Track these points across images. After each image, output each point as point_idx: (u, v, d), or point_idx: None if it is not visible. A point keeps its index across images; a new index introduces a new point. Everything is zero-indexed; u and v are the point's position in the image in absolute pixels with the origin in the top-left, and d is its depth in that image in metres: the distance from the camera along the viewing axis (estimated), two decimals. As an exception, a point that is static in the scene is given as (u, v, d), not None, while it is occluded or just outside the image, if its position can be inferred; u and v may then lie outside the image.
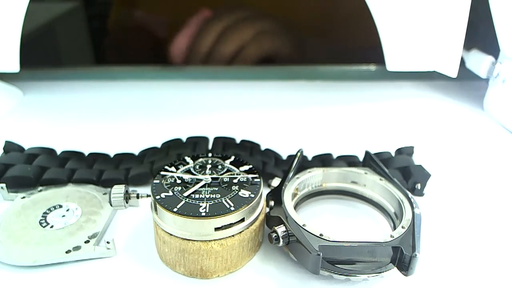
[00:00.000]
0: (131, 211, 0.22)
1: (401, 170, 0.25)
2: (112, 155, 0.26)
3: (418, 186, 0.24)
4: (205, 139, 0.28)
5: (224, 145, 0.27)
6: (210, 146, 0.27)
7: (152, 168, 0.25)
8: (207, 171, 0.20)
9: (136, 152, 0.27)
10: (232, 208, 0.18)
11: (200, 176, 0.20)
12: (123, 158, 0.26)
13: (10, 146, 0.26)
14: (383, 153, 0.26)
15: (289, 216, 0.19)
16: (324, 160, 0.26)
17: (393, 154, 0.27)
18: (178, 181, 0.19)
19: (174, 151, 0.26)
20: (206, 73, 0.42)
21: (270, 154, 0.26)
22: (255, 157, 0.26)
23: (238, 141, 0.28)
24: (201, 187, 0.19)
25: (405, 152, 0.27)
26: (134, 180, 0.24)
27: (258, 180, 0.20)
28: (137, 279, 0.18)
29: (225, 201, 0.18)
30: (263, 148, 0.27)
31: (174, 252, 0.18)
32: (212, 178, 0.20)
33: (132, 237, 0.21)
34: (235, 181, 0.19)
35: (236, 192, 0.19)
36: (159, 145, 0.27)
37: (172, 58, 0.46)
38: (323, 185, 0.23)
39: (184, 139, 0.28)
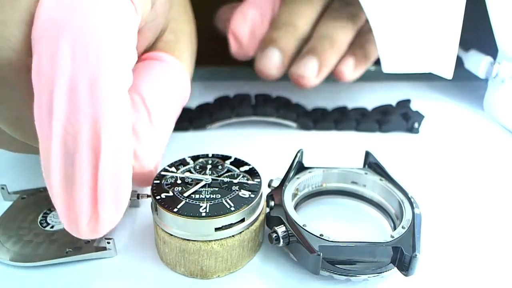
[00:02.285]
0: (131, 211, 0.22)
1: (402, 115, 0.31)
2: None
3: (416, 124, 0.30)
4: (248, 96, 0.32)
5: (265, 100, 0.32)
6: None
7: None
8: (207, 171, 0.20)
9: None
10: (232, 209, 0.18)
11: (200, 177, 0.20)
12: None
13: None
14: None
15: (289, 216, 0.19)
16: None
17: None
18: (179, 181, 0.19)
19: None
20: (205, 73, 0.42)
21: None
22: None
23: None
24: (201, 187, 0.19)
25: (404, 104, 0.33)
26: None
27: (259, 180, 0.20)
28: (137, 279, 0.18)
29: (225, 201, 0.18)
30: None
31: (174, 252, 0.18)
32: (212, 178, 0.20)
33: (132, 237, 0.21)
34: (235, 181, 0.19)
35: (236, 192, 0.19)
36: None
37: (234, 52, 0.32)
38: (323, 185, 0.23)
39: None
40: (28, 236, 0.20)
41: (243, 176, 0.20)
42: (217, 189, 0.19)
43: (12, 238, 0.20)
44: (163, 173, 0.20)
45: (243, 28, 0.30)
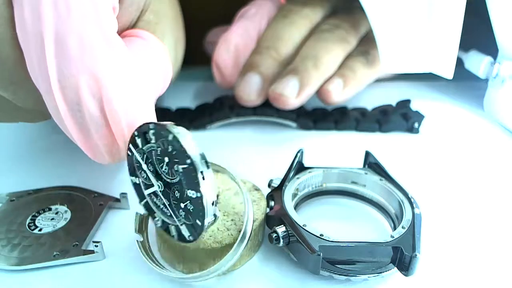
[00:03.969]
0: (131, 211, 0.22)
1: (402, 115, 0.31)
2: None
3: (416, 124, 0.30)
4: None
5: None
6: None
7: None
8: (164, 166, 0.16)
9: None
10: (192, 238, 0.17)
11: (153, 180, 0.16)
12: None
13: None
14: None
15: (289, 216, 0.19)
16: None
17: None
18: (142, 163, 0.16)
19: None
20: (205, 73, 0.42)
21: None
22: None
23: None
24: (154, 193, 0.17)
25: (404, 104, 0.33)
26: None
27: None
28: (137, 278, 0.18)
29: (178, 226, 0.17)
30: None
31: (173, 250, 0.18)
32: (164, 185, 0.16)
33: (132, 236, 0.21)
34: (182, 205, 0.16)
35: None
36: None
37: (216, 73, 0.31)
38: (323, 185, 0.23)
39: None
40: (16, 239, 0.19)
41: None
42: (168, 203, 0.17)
43: (0, 241, 0.19)
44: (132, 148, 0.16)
45: (226, 59, 0.29)
